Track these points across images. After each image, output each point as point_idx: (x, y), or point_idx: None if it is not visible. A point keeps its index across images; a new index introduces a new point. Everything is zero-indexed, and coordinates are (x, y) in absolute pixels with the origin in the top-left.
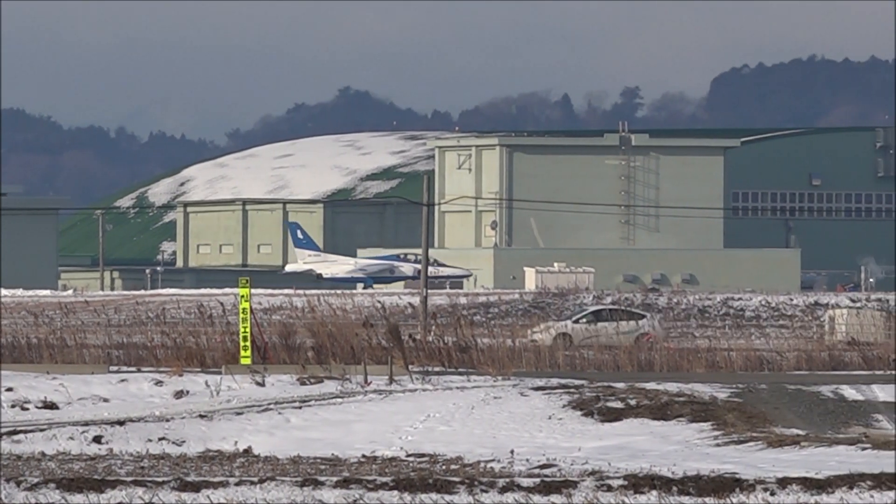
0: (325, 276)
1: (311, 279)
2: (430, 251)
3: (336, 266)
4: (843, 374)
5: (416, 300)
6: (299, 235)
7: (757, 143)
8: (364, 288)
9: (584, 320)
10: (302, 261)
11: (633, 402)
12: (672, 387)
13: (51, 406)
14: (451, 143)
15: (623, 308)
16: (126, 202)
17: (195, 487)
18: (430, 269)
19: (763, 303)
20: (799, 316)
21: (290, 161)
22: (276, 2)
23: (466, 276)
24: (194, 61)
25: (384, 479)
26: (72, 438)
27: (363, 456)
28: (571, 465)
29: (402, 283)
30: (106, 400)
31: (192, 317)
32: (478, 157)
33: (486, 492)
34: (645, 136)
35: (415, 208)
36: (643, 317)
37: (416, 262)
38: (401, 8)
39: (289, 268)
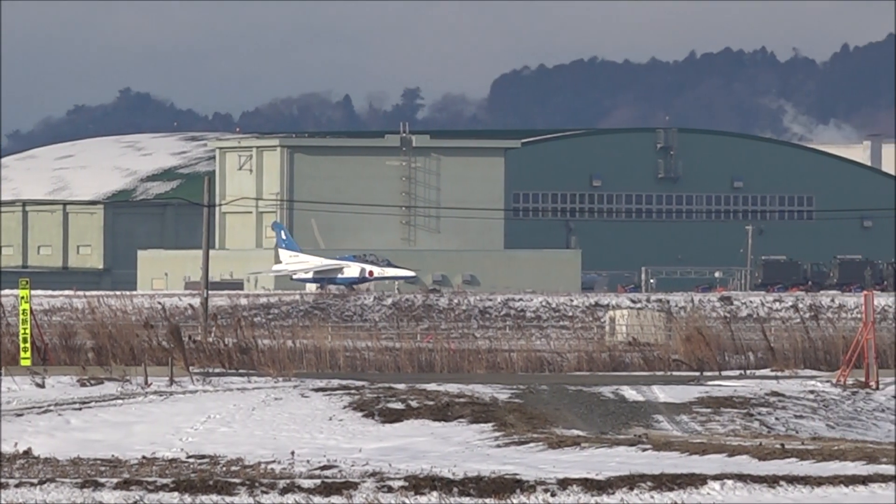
0: (293, 276)
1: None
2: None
3: (300, 265)
4: (624, 374)
5: (197, 301)
6: (283, 236)
7: (538, 145)
8: (319, 288)
9: None
10: (284, 262)
11: (413, 404)
12: (453, 388)
13: None
14: (232, 145)
15: None
16: None
17: None
18: (377, 269)
19: (544, 303)
20: (580, 317)
21: (71, 162)
22: (53, 1)
23: (412, 278)
24: None
25: (164, 481)
26: None
27: (143, 457)
28: (352, 466)
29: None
30: None
31: None
32: (258, 158)
33: (266, 493)
34: (426, 137)
35: (196, 209)
36: None
37: (372, 262)
38: (180, 8)
39: (275, 268)
